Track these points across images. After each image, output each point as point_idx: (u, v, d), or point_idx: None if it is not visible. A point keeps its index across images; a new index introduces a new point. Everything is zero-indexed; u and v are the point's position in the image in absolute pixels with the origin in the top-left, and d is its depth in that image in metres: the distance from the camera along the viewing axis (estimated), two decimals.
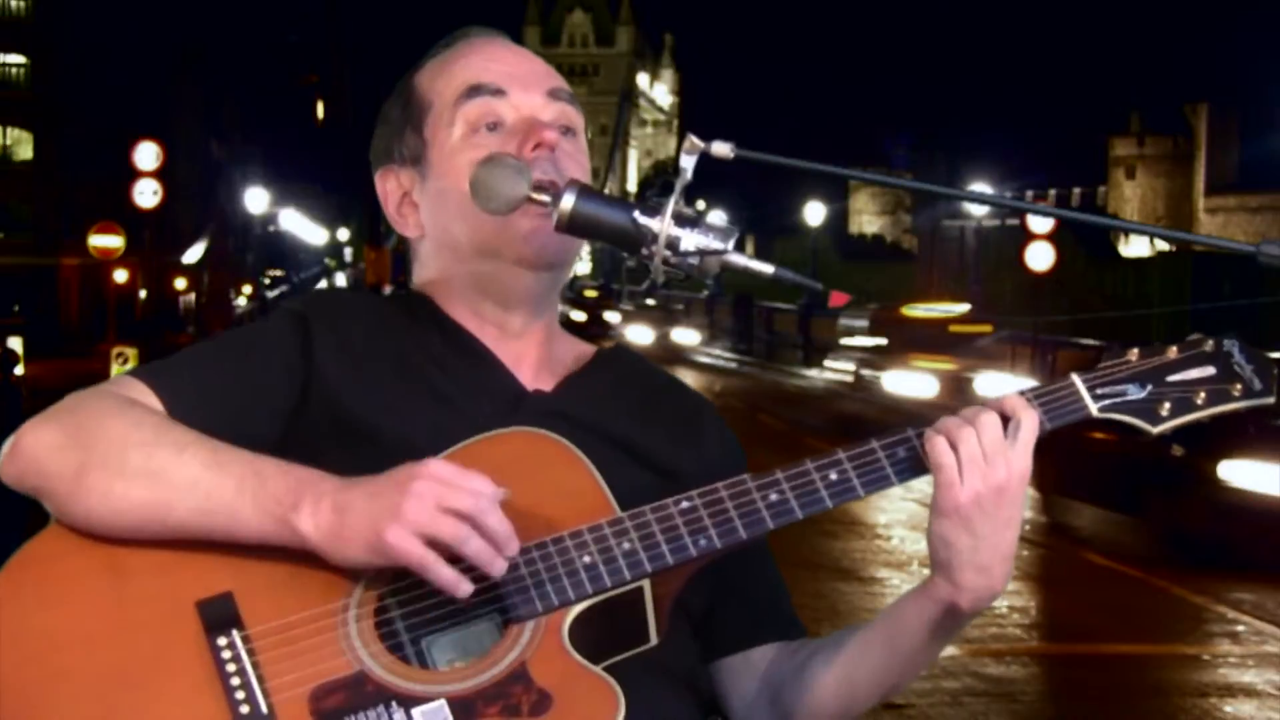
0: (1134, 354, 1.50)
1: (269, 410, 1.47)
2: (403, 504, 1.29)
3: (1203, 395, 1.48)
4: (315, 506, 1.32)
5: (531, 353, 1.59)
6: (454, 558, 1.31)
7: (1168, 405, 1.48)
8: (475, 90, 1.57)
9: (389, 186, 1.64)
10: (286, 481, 1.34)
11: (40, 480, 1.38)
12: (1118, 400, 1.48)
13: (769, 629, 1.61)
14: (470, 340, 1.57)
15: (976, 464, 1.40)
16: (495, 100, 1.57)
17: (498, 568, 1.31)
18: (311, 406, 1.48)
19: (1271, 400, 1.50)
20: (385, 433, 1.46)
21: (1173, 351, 1.50)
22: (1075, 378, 1.48)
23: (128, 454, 1.36)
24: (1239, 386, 1.49)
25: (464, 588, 1.30)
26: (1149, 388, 1.48)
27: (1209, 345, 1.50)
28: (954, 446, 1.40)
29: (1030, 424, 1.42)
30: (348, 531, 1.30)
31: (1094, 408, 1.47)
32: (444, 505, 1.29)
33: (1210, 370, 1.49)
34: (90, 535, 1.37)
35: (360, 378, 1.50)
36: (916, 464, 1.43)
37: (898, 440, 1.44)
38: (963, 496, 1.39)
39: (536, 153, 1.53)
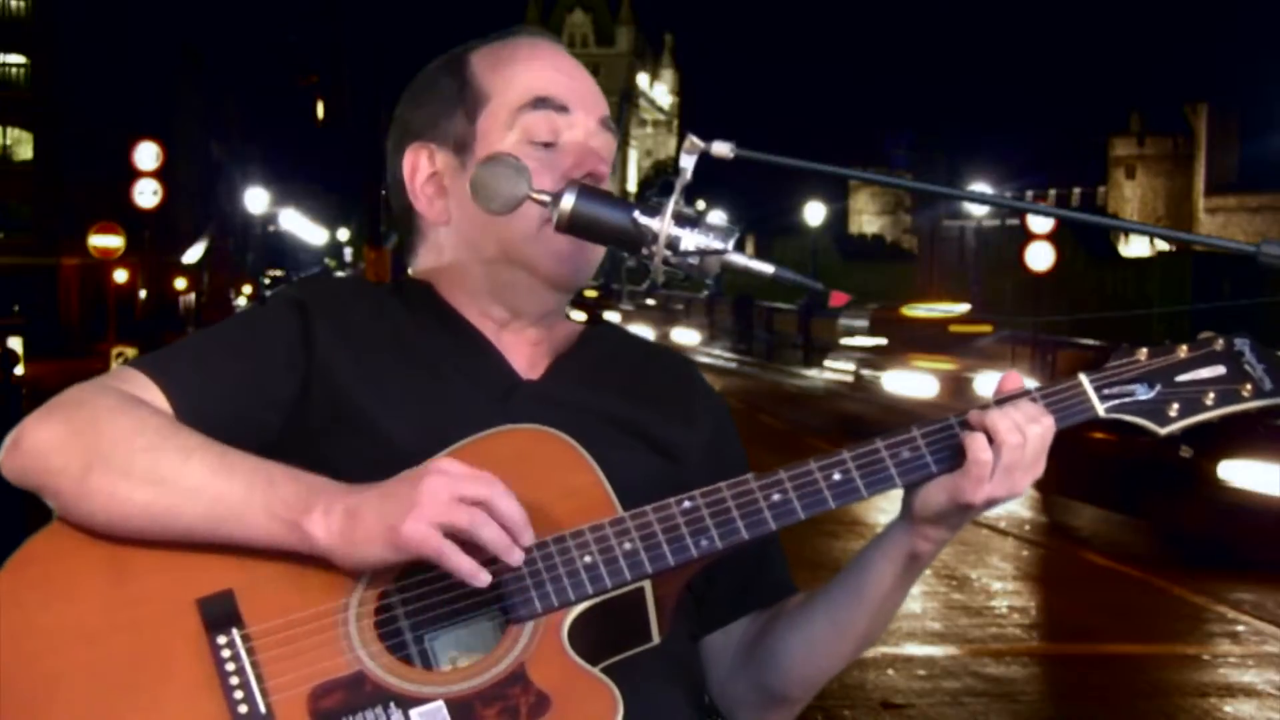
0: (1143, 353, 1.48)
1: (271, 401, 1.47)
2: (417, 498, 1.29)
3: (1212, 395, 1.46)
4: (327, 511, 1.32)
5: (530, 341, 1.59)
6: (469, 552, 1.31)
7: (1176, 406, 1.46)
8: (542, 102, 1.56)
9: (420, 160, 1.61)
10: (296, 487, 1.34)
11: (43, 478, 1.37)
12: (1125, 400, 1.46)
13: (751, 600, 1.62)
14: (468, 329, 1.57)
15: (1012, 472, 1.40)
16: (558, 116, 1.56)
17: (515, 556, 1.32)
18: (312, 396, 1.48)
19: None
20: (382, 424, 1.46)
21: (1183, 351, 1.48)
22: (1083, 377, 1.46)
23: (134, 458, 1.35)
24: (1249, 386, 1.46)
25: (482, 577, 1.30)
26: (1158, 388, 1.46)
27: (1220, 344, 1.48)
28: (999, 449, 1.40)
29: (1050, 431, 1.42)
30: (361, 533, 1.31)
31: (1101, 408, 1.46)
32: (457, 495, 1.30)
33: (1220, 370, 1.47)
34: (92, 533, 1.37)
35: (359, 367, 1.49)
36: (921, 465, 1.43)
37: (902, 440, 1.44)
38: (981, 494, 1.41)
39: (584, 180, 1.49)
